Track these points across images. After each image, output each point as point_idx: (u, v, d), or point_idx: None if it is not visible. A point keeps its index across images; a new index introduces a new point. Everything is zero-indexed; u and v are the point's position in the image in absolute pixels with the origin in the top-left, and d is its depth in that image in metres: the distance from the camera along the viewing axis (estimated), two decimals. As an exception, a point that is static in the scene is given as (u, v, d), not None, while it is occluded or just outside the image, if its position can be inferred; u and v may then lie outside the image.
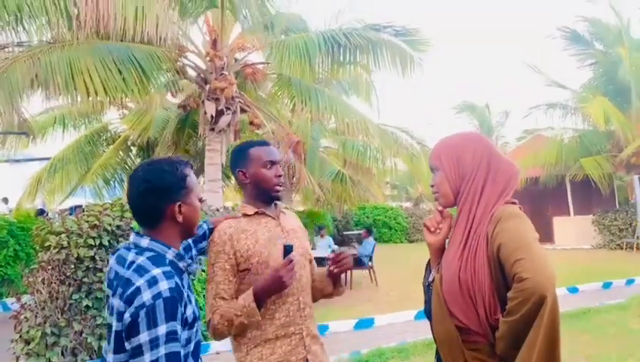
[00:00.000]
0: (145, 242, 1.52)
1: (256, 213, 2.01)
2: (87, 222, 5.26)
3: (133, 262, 1.46)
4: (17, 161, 14.30)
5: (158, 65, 7.14)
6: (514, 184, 1.63)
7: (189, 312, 1.45)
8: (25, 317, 4.97)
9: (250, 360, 1.89)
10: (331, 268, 2.04)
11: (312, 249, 10.81)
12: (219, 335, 1.90)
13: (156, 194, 1.52)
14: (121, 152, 12.50)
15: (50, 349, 4.83)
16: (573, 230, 16.25)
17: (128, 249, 1.53)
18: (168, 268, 1.44)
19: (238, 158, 2.07)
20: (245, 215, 2.01)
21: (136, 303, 1.34)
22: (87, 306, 4.94)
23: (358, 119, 9.60)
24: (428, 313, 1.70)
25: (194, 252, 2.01)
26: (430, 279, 1.74)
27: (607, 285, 8.93)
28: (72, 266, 4.99)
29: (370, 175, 15.51)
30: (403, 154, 15.27)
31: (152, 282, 1.37)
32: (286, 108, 11.14)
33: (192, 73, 8.62)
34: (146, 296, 1.34)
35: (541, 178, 16.21)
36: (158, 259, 1.47)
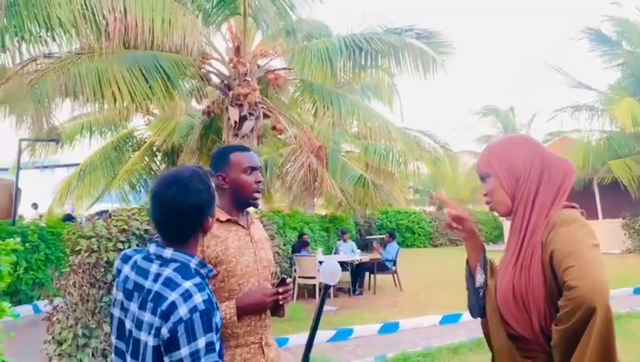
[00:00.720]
0: (168, 253, 1.51)
1: (229, 220, 2.03)
2: (116, 226, 5.38)
3: (159, 275, 1.46)
4: (46, 167, 14.68)
5: (183, 73, 7.29)
6: (569, 182, 1.56)
7: (217, 319, 1.48)
8: (57, 319, 5.10)
9: None
10: (280, 297, 2.01)
11: (335, 253, 10.86)
12: None
13: (194, 214, 1.53)
14: (146, 158, 12.73)
15: (81, 350, 4.95)
16: (602, 234, 15.69)
17: (149, 260, 1.52)
18: (198, 280, 1.46)
19: (219, 162, 2.08)
20: (217, 220, 1.97)
21: (173, 318, 1.36)
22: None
23: (381, 123, 9.60)
24: (476, 314, 1.69)
25: None
26: (478, 284, 1.69)
27: (637, 290, 8.72)
28: (102, 269, 5.11)
29: (392, 179, 15.47)
30: (426, 158, 15.21)
31: (187, 296, 1.39)
32: (308, 113, 11.21)
33: (215, 80, 8.75)
34: (183, 311, 1.37)
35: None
36: (184, 271, 1.48)
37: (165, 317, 1.37)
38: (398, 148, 12.57)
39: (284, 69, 9.40)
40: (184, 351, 1.34)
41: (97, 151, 12.56)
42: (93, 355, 5.03)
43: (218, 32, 8.89)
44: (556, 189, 1.54)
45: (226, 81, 8.65)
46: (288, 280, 2.04)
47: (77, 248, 5.20)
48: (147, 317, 1.41)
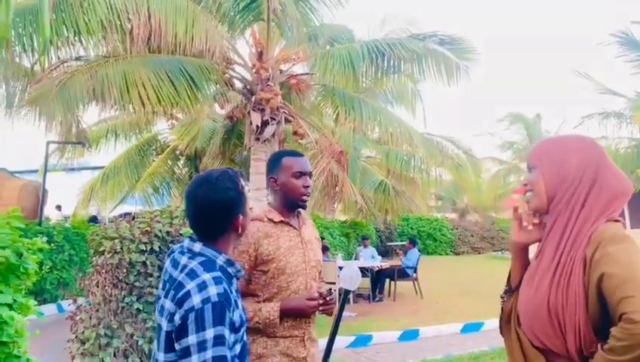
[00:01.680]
0: (197, 247, 1.58)
1: (281, 221, 2.17)
2: (139, 228, 5.45)
3: (185, 266, 1.53)
4: (73, 169, 14.98)
5: (208, 77, 7.36)
6: (621, 203, 1.45)
7: (236, 317, 1.50)
8: (80, 319, 5.18)
9: (255, 348, 2.07)
10: (320, 308, 2.13)
11: (355, 258, 10.82)
12: None
13: (223, 211, 1.59)
14: (169, 161, 12.90)
15: (104, 350, 5.01)
16: (630, 244, 15.47)
17: (182, 253, 1.60)
18: (218, 274, 1.50)
19: (272, 166, 2.25)
20: (271, 220, 2.15)
21: (186, 306, 1.41)
22: (138, 309, 5.10)
23: (402, 129, 9.54)
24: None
25: None
26: (506, 296, 1.65)
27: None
28: (125, 270, 5.17)
29: (414, 185, 15.36)
30: (449, 164, 15.06)
31: (202, 286, 1.43)
32: (329, 118, 11.21)
33: (238, 85, 8.81)
34: (196, 300, 1.40)
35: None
36: (209, 264, 1.53)
37: (179, 303, 1.42)
38: (420, 154, 12.47)
39: (306, 74, 9.43)
40: (192, 338, 1.37)
41: (121, 155, 12.76)
42: (115, 355, 5.09)
43: (242, 38, 8.96)
44: (605, 203, 1.43)
45: (248, 86, 8.70)
46: (331, 296, 2.14)
47: (100, 249, 5.28)
48: (167, 304, 1.48)
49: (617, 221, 1.43)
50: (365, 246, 11.50)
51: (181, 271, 1.52)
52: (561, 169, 1.50)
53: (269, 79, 8.41)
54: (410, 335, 6.72)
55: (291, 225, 2.19)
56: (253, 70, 8.53)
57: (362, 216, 14.86)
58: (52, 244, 8.94)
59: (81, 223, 10.09)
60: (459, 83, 9.37)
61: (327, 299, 2.11)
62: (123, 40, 6.62)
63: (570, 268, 1.38)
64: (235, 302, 1.52)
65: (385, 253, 17.85)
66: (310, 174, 2.22)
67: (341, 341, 6.02)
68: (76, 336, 5.07)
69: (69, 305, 6.12)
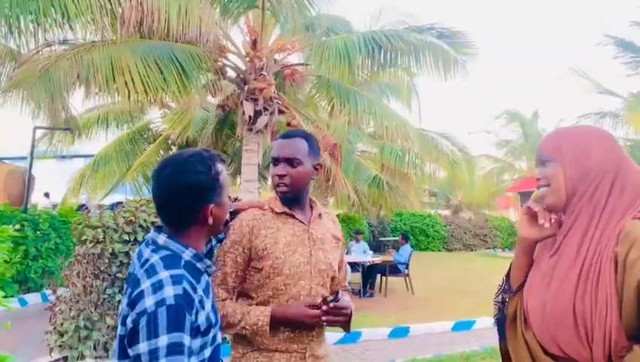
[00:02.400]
0: (162, 239, 1.40)
1: (284, 212, 1.86)
2: (124, 217, 5.29)
3: (147, 261, 1.36)
4: (63, 157, 14.76)
5: (199, 65, 7.17)
6: None
7: (201, 320, 1.32)
8: (60, 310, 5.03)
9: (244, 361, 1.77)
10: (323, 318, 1.76)
11: (347, 253, 10.70)
12: None
13: (189, 197, 1.39)
14: (161, 151, 12.69)
15: (83, 343, 4.86)
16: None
17: (147, 244, 1.43)
18: (179, 272, 1.32)
19: None
20: (273, 211, 1.86)
21: (138, 308, 1.24)
22: (120, 301, 4.95)
23: (398, 123, 9.40)
24: (502, 331, 1.49)
25: (213, 242, 1.87)
26: (507, 296, 1.50)
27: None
28: (107, 261, 5.02)
29: (408, 181, 15.23)
30: (443, 161, 14.94)
31: (158, 287, 1.26)
32: (324, 111, 11.05)
33: (231, 73, 8.63)
34: (149, 302, 1.23)
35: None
36: (171, 260, 1.36)
37: (132, 305, 1.25)
38: (415, 149, 12.32)
39: (301, 64, 9.26)
40: (143, 346, 1.20)
41: (113, 143, 12.56)
42: (94, 348, 4.94)
43: (236, 25, 8.76)
44: (631, 200, 1.31)
45: (241, 75, 8.53)
46: (335, 304, 1.76)
47: (82, 238, 5.12)
48: (124, 302, 1.31)
49: None
50: (357, 241, 11.39)
51: (142, 265, 1.35)
52: (583, 162, 1.36)
53: (262, 68, 8.24)
54: (400, 332, 6.60)
55: (297, 218, 1.86)
56: (247, 59, 8.36)
57: (355, 210, 14.74)
58: (37, 232, 8.77)
59: (68, 211, 9.89)
60: (456, 77, 9.24)
61: (332, 305, 1.74)
62: (113, 24, 6.42)
63: (598, 270, 1.25)
64: (201, 302, 1.34)
65: (377, 248, 17.73)
66: (290, 160, 1.83)
67: (329, 337, 5.86)
68: (54, 328, 4.92)
69: (49, 295, 5.96)
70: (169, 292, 1.24)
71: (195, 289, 1.33)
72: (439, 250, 21.72)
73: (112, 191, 13.30)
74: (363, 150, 17.60)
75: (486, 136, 28.63)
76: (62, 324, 4.87)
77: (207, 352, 1.39)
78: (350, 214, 16.94)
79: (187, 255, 1.39)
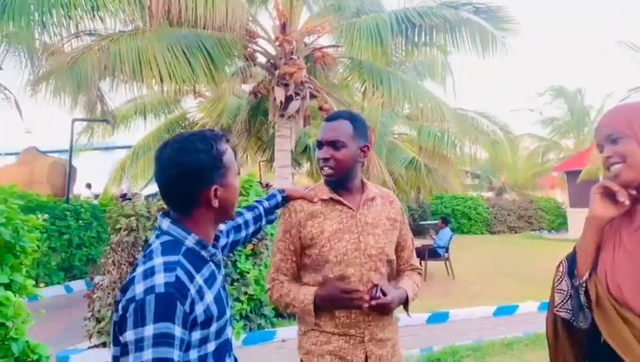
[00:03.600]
0: (165, 224, 1.33)
1: (331, 198, 1.84)
2: (157, 205, 5.33)
3: (150, 245, 1.31)
4: (105, 148, 15.16)
5: (228, 52, 7.13)
6: None
7: (199, 311, 1.24)
8: (97, 297, 5.13)
9: (305, 341, 1.83)
10: (366, 305, 1.71)
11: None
12: (276, 305, 1.94)
13: (190, 178, 1.31)
14: (198, 140, 12.83)
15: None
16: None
17: (156, 228, 1.37)
18: (175, 258, 1.24)
19: None
20: (321, 199, 1.85)
21: (128, 295, 1.17)
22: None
23: (433, 104, 9.11)
24: (585, 320, 1.45)
25: (263, 221, 1.93)
26: (584, 280, 1.45)
27: None
28: (140, 248, 5.08)
29: (447, 163, 14.87)
30: (484, 141, 14.48)
31: (149, 273, 1.19)
32: (358, 93, 10.84)
33: (261, 59, 8.56)
34: (139, 289, 1.16)
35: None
36: (171, 246, 1.29)
37: (124, 290, 1.19)
38: (452, 129, 11.98)
39: (332, 46, 9.07)
40: (129, 334, 1.13)
41: (151, 133, 12.77)
42: (131, 334, 5.03)
43: (264, 10, 8.65)
44: None
45: (272, 60, 8.44)
46: (378, 293, 1.71)
47: (117, 226, 5.20)
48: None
49: None
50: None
51: (144, 251, 1.30)
52: None
53: (292, 52, 8.13)
54: (438, 317, 6.43)
55: (344, 204, 1.83)
56: (277, 43, 8.26)
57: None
58: (80, 221, 9.03)
59: (109, 201, 10.14)
60: (495, 54, 8.85)
61: (374, 303, 1.69)
62: (142, 14, 6.44)
63: None
64: (199, 292, 1.26)
65: (418, 232, 17.44)
66: (333, 143, 1.80)
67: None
68: (92, 315, 5.02)
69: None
70: (160, 279, 1.17)
71: (192, 279, 1.25)
72: (482, 233, 21.20)
73: (152, 180, 13.56)
74: (400, 133, 17.31)
75: (530, 115, 27.56)
76: (99, 311, 4.97)
77: (211, 346, 1.30)
78: (388, 198, 16.73)
79: (190, 241, 1.32)
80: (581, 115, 23.26)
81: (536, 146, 25.55)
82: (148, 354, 1.11)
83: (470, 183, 29.07)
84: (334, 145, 1.80)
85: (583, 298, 1.45)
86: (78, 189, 13.28)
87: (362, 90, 9.17)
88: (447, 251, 9.94)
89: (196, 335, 1.24)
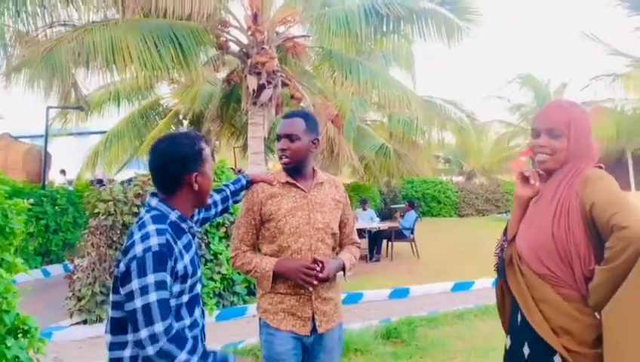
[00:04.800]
0: (154, 202, 1.72)
1: (287, 182, 2.21)
2: (133, 191, 5.61)
3: (140, 218, 1.68)
4: (79, 134, 15.13)
5: (199, 41, 7.34)
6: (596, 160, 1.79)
7: (179, 267, 1.62)
8: (78, 277, 5.42)
9: (262, 302, 2.20)
10: (310, 288, 2.11)
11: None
12: (237, 270, 2.35)
13: (176, 164, 1.69)
14: (172, 126, 12.96)
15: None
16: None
17: (144, 206, 1.75)
18: (163, 226, 1.62)
19: None
20: (279, 181, 2.22)
21: (130, 254, 1.54)
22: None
23: (400, 93, 9.47)
24: (501, 272, 1.88)
25: (230, 202, 2.31)
26: (507, 243, 1.87)
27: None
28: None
29: (417, 148, 15.33)
30: (452, 127, 14.99)
31: (145, 237, 1.56)
32: (330, 81, 11.15)
33: (234, 48, 8.77)
34: (138, 249, 1.54)
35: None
36: (159, 218, 1.66)
37: (125, 252, 1.56)
38: (420, 117, 12.41)
39: (303, 36, 9.34)
40: (134, 284, 1.50)
41: (125, 119, 12.82)
42: (111, 311, 5.34)
43: (237, -1, 8.85)
44: (593, 154, 1.75)
45: (244, 50, 8.67)
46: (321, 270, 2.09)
47: (95, 211, 5.47)
48: (121, 251, 1.62)
49: (600, 167, 1.73)
50: (364, 209, 11.63)
51: (137, 222, 1.67)
52: (582, 141, 1.73)
53: (264, 42, 8.37)
54: (400, 293, 6.91)
55: (298, 187, 2.21)
56: (249, 33, 8.48)
57: (360, 178, 14.90)
58: (56, 207, 9.19)
59: (84, 186, 10.29)
60: (460, 44, 9.26)
61: (316, 271, 2.08)
62: (116, 2, 6.60)
63: (568, 204, 1.65)
64: (181, 253, 1.64)
65: (389, 215, 17.95)
66: (289, 136, 2.18)
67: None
68: (73, 294, 5.31)
69: (70, 264, 6.36)
70: (154, 241, 1.55)
71: (175, 242, 1.64)
72: (451, 216, 21.88)
73: (126, 166, 13.68)
74: (373, 119, 17.69)
75: (500, 102, 28.22)
76: (80, 291, 5.27)
77: (185, 298, 1.70)
78: (360, 183, 17.15)
79: (173, 216, 1.70)
80: (546, 101, 24.01)
81: (504, 132, 26.28)
82: (153, 296, 1.50)
83: (442, 168, 29.73)
84: (290, 138, 2.19)
85: (504, 257, 1.86)
86: (52, 176, 13.31)
87: (332, 78, 9.49)
88: (412, 232, 10.44)
89: (176, 287, 1.62)
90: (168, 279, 1.56)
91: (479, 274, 7.66)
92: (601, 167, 1.72)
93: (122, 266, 1.55)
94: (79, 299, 5.26)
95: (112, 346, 1.62)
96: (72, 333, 5.16)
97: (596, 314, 1.60)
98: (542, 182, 1.80)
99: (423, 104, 10.57)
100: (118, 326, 1.61)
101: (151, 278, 1.51)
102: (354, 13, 8.54)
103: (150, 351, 1.50)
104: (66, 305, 5.42)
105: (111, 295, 1.64)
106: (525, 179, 1.82)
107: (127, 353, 1.59)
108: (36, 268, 8.69)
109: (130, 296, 1.51)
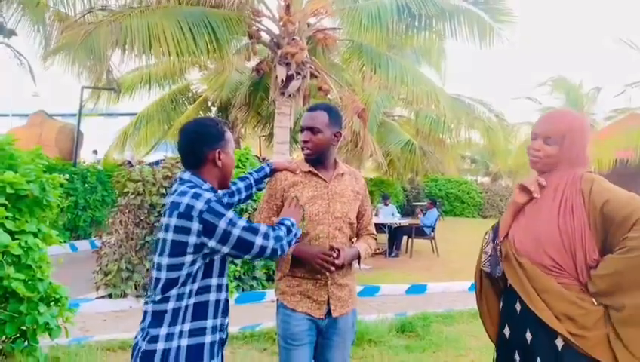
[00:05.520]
0: (187, 175, 1.87)
1: (309, 171, 2.29)
2: (162, 173, 5.78)
3: (176, 190, 1.82)
4: (110, 115, 15.48)
5: (232, 29, 7.45)
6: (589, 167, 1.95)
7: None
8: (105, 253, 5.62)
9: (281, 284, 2.29)
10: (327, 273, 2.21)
11: (375, 215, 11.01)
12: None
13: (201, 141, 1.87)
14: (201, 112, 13.15)
15: (125, 283, 5.45)
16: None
17: (177, 181, 1.90)
18: (205, 187, 1.82)
19: None
20: (301, 170, 2.31)
21: (194, 213, 1.70)
22: (154, 250, 5.50)
23: (429, 89, 9.46)
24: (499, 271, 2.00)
25: (253, 189, 2.42)
26: (501, 241, 1.99)
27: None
28: (146, 211, 5.54)
29: (443, 146, 15.24)
30: (479, 127, 14.83)
31: (197, 196, 1.73)
32: (359, 74, 11.17)
33: (265, 37, 8.87)
34: (199, 206, 1.71)
35: (632, 160, 15.10)
36: (195, 187, 1.80)
37: (187, 216, 1.70)
38: (448, 115, 12.34)
39: (334, 28, 9.38)
40: (221, 224, 1.72)
41: (155, 102, 13.07)
42: (135, 288, 5.53)
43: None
44: (586, 162, 1.91)
45: (275, 39, 8.75)
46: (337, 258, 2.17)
47: (125, 190, 5.66)
48: (166, 219, 1.77)
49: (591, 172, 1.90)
50: (386, 204, 11.67)
51: (173, 193, 1.81)
52: (578, 150, 1.88)
53: (295, 32, 8.44)
54: (417, 289, 6.94)
55: (319, 177, 2.29)
56: (280, 23, 8.56)
57: (383, 173, 14.88)
58: (86, 185, 9.48)
59: (113, 166, 10.57)
60: (491, 45, 9.17)
61: (333, 258, 2.15)
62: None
63: (571, 201, 1.81)
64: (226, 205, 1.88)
65: (411, 212, 17.93)
66: (312, 129, 2.26)
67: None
68: (100, 268, 5.52)
69: (97, 240, 6.57)
70: (207, 195, 1.75)
71: None
72: (474, 217, 21.73)
73: (154, 148, 13.96)
74: (400, 115, 17.63)
75: (529, 104, 27.72)
76: (107, 266, 5.47)
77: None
78: (383, 178, 17.14)
79: (205, 187, 1.84)
80: (577, 105, 23.56)
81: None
82: (241, 221, 1.77)
83: (468, 168, 29.48)
84: (312, 130, 2.27)
85: (498, 254, 2.00)
86: (84, 154, 13.69)
87: (360, 72, 9.52)
88: (433, 230, 10.44)
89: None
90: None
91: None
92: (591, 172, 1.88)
93: (197, 227, 1.69)
94: (106, 274, 5.46)
95: (159, 302, 1.74)
96: (97, 306, 5.37)
97: (594, 300, 1.76)
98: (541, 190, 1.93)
99: (451, 102, 10.51)
100: (166, 285, 1.74)
101: (230, 214, 1.75)
102: (386, 8, 8.53)
103: (271, 243, 1.81)
104: (93, 278, 5.63)
105: (164, 258, 1.74)
106: (525, 189, 1.94)
107: (170, 306, 1.73)
108: (65, 242, 8.99)
109: (225, 235, 1.72)
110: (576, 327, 1.75)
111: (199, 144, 1.86)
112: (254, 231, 1.78)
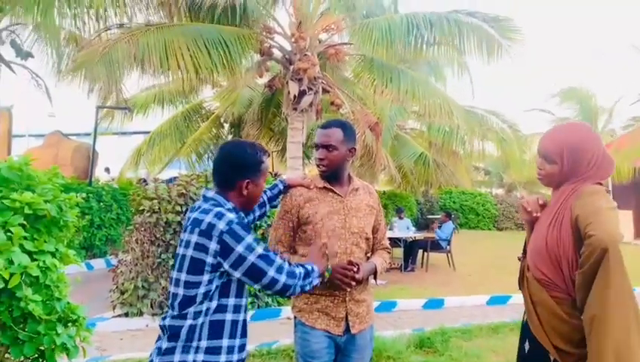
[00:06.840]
0: (210, 193, 1.87)
1: (324, 187, 2.28)
2: (177, 190, 5.80)
3: (199, 207, 1.82)
4: (124, 133, 15.66)
5: (245, 46, 7.53)
6: (605, 179, 1.95)
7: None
8: (121, 271, 5.63)
9: (298, 302, 2.28)
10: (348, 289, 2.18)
11: (389, 229, 10.93)
12: None
13: (234, 167, 1.86)
14: (214, 129, 13.26)
15: (141, 301, 5.44)
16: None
17: (200, 198, 1.91)
18: (229, 207, 1.82)
19: None
20: (316, 186, 2.30)
21: (214, 233, 1.69)
22: (173, 265, 5.49)
23: (442, 101, 9.43)
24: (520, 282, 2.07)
25: (267, 208, 2.38)
26: (522, 257, 2.10)
27: None
28: (162, 229, 5.56)
29: (457, 158, 15.16)
30: (493, 138, 14.73)
31: (220, 215, 1.73)
32: (371, 88, 11.19)
33: (277, 54, 8.95)
34: (222, 226, 1.70)
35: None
36: (219, 205, 1.81)
37: (207, 236, 1.70)
38: (461, 126, 12.27)
39: (345, 43, 9.44)
40: (239, 248, 1.69)
41: (168, 120, 13.20)
42: (151, 306, 5.52)
43: (282, 7, 9.04)
44: (594, 176, 1.89)
45: (287, 56, 8.83)
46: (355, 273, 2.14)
47: (140, 208, 5.68)
48: (187, 236, 1.76)
49: (600, 184, 1.88)
50: (400, 218, 11.58)
51: (196, 210, 1.81)
52: (576, 167, 1.89)
53: (306, 48, 8.50)
54: (434, 304, 6.85)
55: (335, 192, 2.28)
56: (292, 40, 8.64)
57: (397, 187, 14.79)
58: (101, 203, 9.55)
59: (127, 184, 10.66)
60: (499, 61, 9.15)
61: (353, 273, 2.13)
62: (169, 8, 6.88)
63: (562, 215, 1.84)
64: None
65: (425, 225, 17.79)
66: (328, 146, 2.25)
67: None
68: (117, 287, 5.52)
69: (113, 259, 6.59)
70: (230, 216, 1.74)
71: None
72: (489, 229, 21.49)
73: (168, 166, 14.06)
74: (413, 128, 17.59)
75: (542, 115, 27.53)
76: (123, 284, 5.47)
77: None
78: (397, 191, 17.05)
79: (227, 206, 1.84)
80: (590, 116, 23.36)
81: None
82: (259, 248, 1.74)
83: (481, 179, 29.24)
84: (327, 148, 2.26)
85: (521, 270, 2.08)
86: (98, 173, 13.83)
87: (372, 86, 9.54)
88: (448, 244, 10.33)
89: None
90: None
91: (516, 289, 7.48)
92: (600, 184, 1.88)
93: (214, 246, 1.69)
94: (122, 293, 5.47)
95: (176, 317, 1.74)
96: (113, 325, 5.36)
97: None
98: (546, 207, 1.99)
99: (464, 113, 10.47)
100: (184, 302, 1.74)
101: (249, 238, 1.72)
102: (397, 25, 8.56)
103: (283, 279, 1.77)
104: (109, 297, 5.63)
105: (182, 274, 1.75)
106: (524, 209, 2.02)
107: (187, 323, 1.72)
108: (81, 261, 9.03)
109: (240, 260, 1.70)
110: (563, 343, 1.80)
111: (231, 170, 1.86)
112: (269, 261, 1.76)
